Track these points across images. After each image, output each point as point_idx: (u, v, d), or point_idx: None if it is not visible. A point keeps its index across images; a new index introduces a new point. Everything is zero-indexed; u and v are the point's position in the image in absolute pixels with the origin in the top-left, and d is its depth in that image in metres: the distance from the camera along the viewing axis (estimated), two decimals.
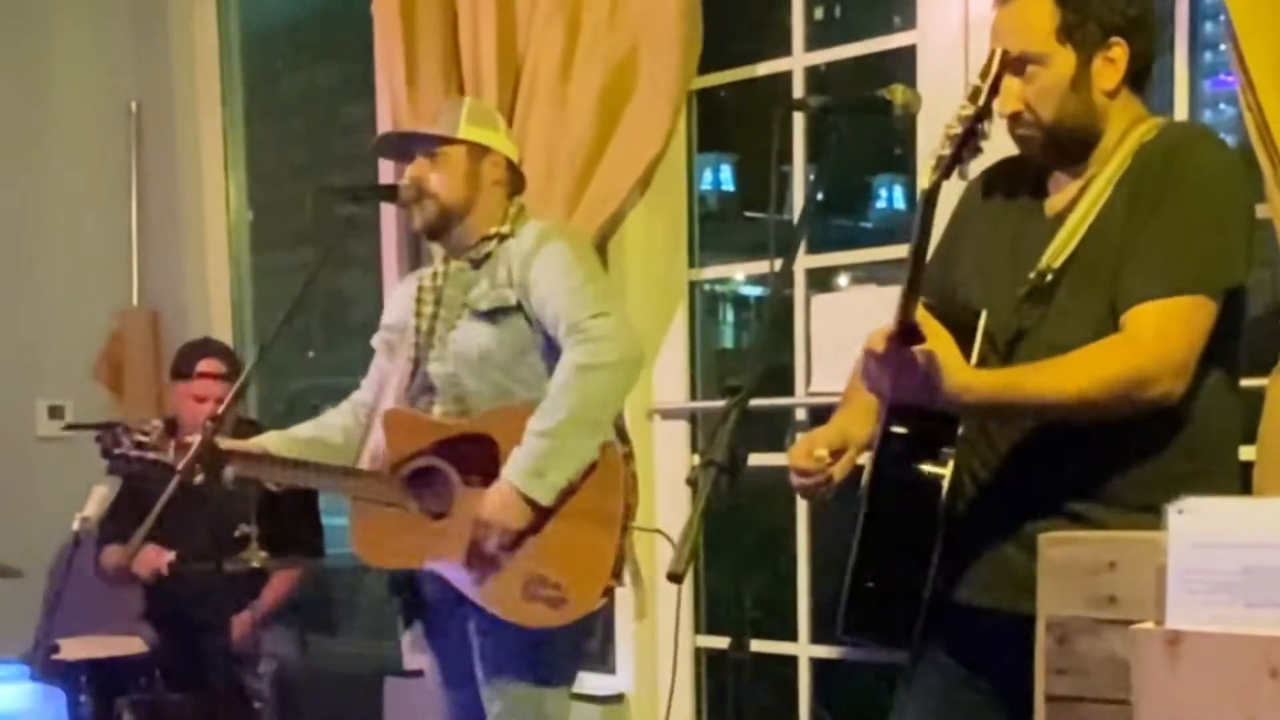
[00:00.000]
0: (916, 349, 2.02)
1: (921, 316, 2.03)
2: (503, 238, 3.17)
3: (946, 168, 1.97)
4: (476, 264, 3.17)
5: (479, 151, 3.19)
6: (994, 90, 2.00)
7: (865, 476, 2.26)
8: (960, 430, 2.21)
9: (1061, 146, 2.30)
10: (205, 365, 4.27)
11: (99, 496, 3.60)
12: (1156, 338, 2.14)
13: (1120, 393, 2.12)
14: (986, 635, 2.27)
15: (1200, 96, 3.27)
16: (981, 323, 2.21)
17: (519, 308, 3.09)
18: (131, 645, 4.10)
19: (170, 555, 3.94)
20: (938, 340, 2.04)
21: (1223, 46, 2.88)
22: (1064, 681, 1.93)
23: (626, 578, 3.14)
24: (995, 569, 2.26)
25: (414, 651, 4.24)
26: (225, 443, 3.07)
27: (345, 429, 3.31)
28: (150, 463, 3.07)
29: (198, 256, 5.21)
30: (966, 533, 2.25)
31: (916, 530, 2.21)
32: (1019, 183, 2.41)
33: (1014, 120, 2.29)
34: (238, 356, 4.50)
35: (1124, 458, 2.21)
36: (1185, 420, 2.20)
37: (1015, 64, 2.24)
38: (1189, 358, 2.16)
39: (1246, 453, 2.59)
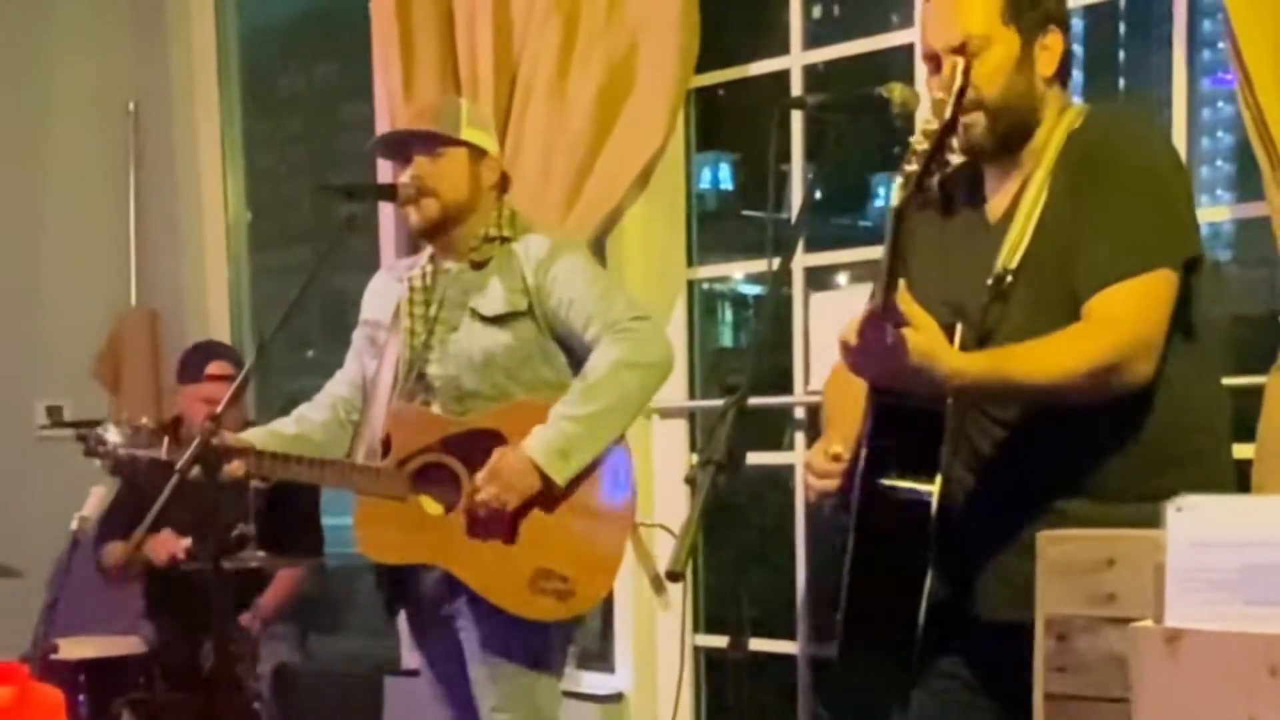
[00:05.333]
0: (906, 332, 2.00)
1: (905, 301, 2.00)
2: (503, 240, 3.18)
3: (917, 183, 1.96)
4: (477, 265, 3.18)
5: (478, 154, 3.20)
6: (959, 103, 2.01)
7: (854, 494, 2.24)
8: (945, 436, 2.21)
9: (1003, 133, 2.29)
10: (214, 368, 4.27)
11: (98, 496, 3.59)
12: (1129, 319, 2.14)
13: (1100, 376, 2.11)
14: (999, 647, 2.26)
15: (1198, 94, 3.27)
16: (959, 336, 2.18)
17: (528, 312, 3.12)
18: (130, 645, 4.10)
19: (186, 541, 3.88)
20: (925, 327, 2.02)
21: (1221, 44, 2.88)
22: (1063, 679, 1.93)
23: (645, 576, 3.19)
24: (999, 581, 2.25)
25: (413, 650, 4.24)
26: (229, 437, 3.06)
27: (326, 424, 3.30)
28: (142, 460, 3.06)
29: (196, 256, 5.22)
30: (963, 543, 2.25)
31: (907, 552, 2.20)
32: (954, 195, 2.41)
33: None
34: (240, 357, 4.50)
35: (1106, 448, 2.20)
36: (1158, 400, 2.19)
37: (960, 48, 2.24)
38: (1159, 336, 2.15)
39: (1245, 451, 2.59)
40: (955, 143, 2.25)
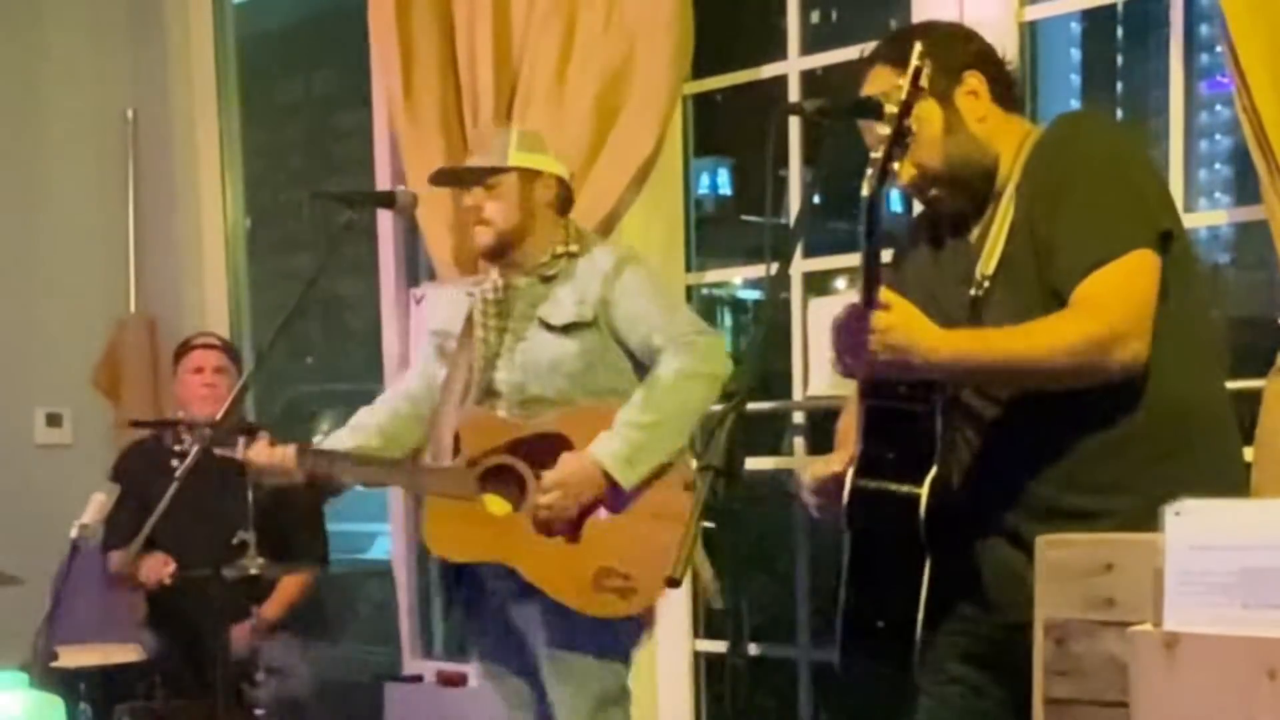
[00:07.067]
0: (882, 314, 2.06)
1: (887, 294, 2.07)
2: (571, 255, 3.28)
3: (881, 171, 2.02)
4: (547, 279, 3.28)
5: (531, 176, 3.28)
6: (915, 84, 2.04)
7: (844, 496, 2.26)
8: (938, 440, 2.23)
9: (967, 187, 2.35)
10: (200, 340, 4.44)
11: (97, 504, 3.59)
12: (1112, 302, 2.14)
13: (1090, 355, 2.12)
14: (1003, 649, 2.26)
15: (1196, 98, 3.27)
16: None
17: (594, 323, 3.21)
18: (131, 653, 4.09)
19: (172, 565, 3.98)
20: (900, 307, 2.08)
21: (1219, 48, 2.88)
22: (1062, 683, 1.93)
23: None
24: (1000, 582, 2.26)
25: (414, 657, 4.25)
26: (276, 453, 3.17)
27: (380, 427, 3.39)
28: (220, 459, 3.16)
29: (195, 263, 5.21)
30: (960, 543, 2.25)
31: (901, 554, 2.21)
32: (941, 232, 2.46)
33: (915, 188, 2.37)
34: (228, 341, 4.58)
35: (1100, 439, 2.21)
36: (1149, 386, 2.19)
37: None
38: (1146, 314, 2.16)
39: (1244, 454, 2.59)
40: (941, 197, 2.35)
